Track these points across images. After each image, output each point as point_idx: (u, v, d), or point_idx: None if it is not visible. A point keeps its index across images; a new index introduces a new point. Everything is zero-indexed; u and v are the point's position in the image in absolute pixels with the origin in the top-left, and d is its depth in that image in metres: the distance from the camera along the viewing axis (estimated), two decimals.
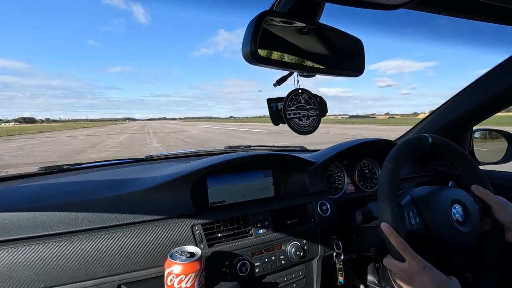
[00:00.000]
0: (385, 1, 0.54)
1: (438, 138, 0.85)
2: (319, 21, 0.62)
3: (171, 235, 0.80)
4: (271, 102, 0.64)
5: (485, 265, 0.82)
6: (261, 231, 0.92)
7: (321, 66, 0.63)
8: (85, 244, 0.72)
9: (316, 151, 1.58)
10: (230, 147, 1.47)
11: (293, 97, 0.65)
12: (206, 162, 0.96)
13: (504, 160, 1.33)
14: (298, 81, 0.61)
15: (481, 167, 1.35)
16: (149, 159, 1.28)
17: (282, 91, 0.66)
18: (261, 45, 0.51)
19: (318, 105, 0.69)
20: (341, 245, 1.01)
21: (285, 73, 0.64)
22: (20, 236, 0.68)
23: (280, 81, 0.63)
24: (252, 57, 0.48)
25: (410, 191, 0.89)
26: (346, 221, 1.07)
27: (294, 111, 0.65)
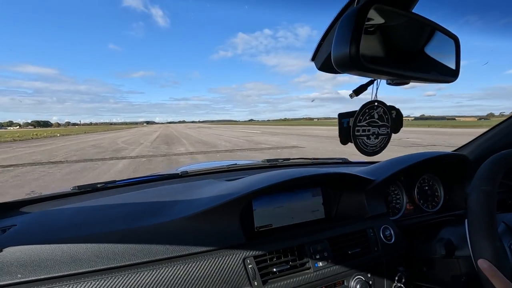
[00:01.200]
0: None
1: None
2: (413, 11, 0.50)
3: (221, 271, 0.69)
4: (342, 117, 0.53)
5: None
6: (320, 263, 0.79)
7: (415, 70, 0.51)
8: (127, 282, 0.62)
9: (361, 164, 1.43)
10: (268, 160, 1.36)
11: (367, 110, 0.53)
12: (252, 183, 0.85)
13: None
14: (377, 91, 0.49)
15: None
16: (184, 175, 1.18)
17: (355, 104, 0.54)
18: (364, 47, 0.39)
19: (391, 122, 0.57)
20: (404, 279, 0.86)
21: (364, 80, 0.52)
22: (58, 274, 0.60)
23: (358, 91, 0.52)
24: (352, 63, 0.36)
25: (503, 218, 0.74)
26: (413, 249, 0.92)
27: (364, 127, 0.53)
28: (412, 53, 0.50)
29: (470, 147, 1.24)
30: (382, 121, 0.56)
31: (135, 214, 0.77)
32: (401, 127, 0.60)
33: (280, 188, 0.92)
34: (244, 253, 0.73)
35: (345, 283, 0.81)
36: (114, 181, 1.09)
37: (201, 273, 0.67)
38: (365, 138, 0.52)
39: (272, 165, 1.33)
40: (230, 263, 0.70)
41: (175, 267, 0.66)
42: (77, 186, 1.01)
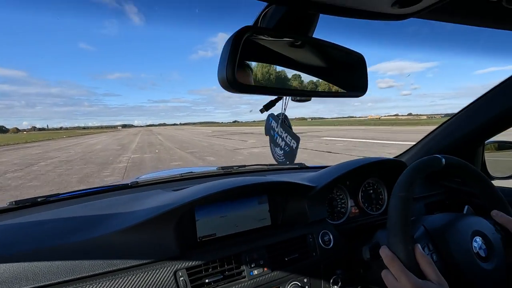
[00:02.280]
0: (392, 10, 0.45)
1: (453, 159, 0.75)
2: (313, 36, 0.53)
3: (150, 285, 0.69)
4: (271, 117, 0.56)
5: None
6: (255, 271, 0.81)
7: (318, 88, 0.54)
8: None
9: (316, 168, 1.47)
10: (223, 167, 1.37)
11: (278, 120, 0.56)
12: (194, 193, 0.86)
13: None
14: (286, 105, 0.52)
15: (494, 182, 1.26)
16: (134, 186, 1.17)
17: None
18: (243, 66, 0.41)
19: (285, 146, 0.60)
20: (340, 282, 0.89)
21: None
22: None
23: (267, 107, 0.54)
24: (230, 85, 0.38)
25: (423, 220, 0.79)
26: (351, 252, 0.96)
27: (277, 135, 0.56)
28: (310, 71, 0.53)
29: (410, 153, 1.31)
30: (281, 137, 0.58)
31: (68, 228, 0.76)
32: (294, 157, 0.62)
33: (224, 197, 0.93)
34: (177, 266, 0.73)
35: None
36: (58, 194, 1.06)
37: None
38: (273, 146, 0.54)
39: (227, 172, 1.34)
40: (160, 277, 0.70)
41: (100, 284, 0.65)
42: (14, 201, 0.97)
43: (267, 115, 0.53)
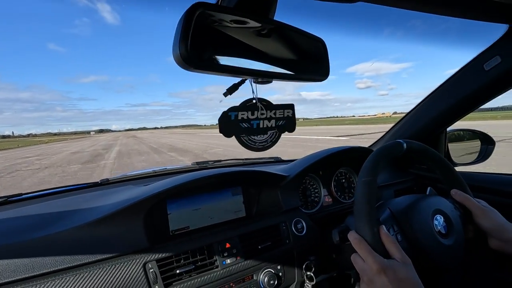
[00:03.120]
0: None
1: (413, 143, 0.79)
2: (274, 18, 0.54)
3: (118, 278, 0.67)
4: (230, 110, 0.54)
5: (474, 278, 0.76)
6: (228, 260, 0.81)
7: (279, 71, 0.55)
8: None
9: (292, 161, 1.49)
10: (198, 163, 1.36)
11: (249, 106, 0.56)
12: (164, 185, 0.84)
13: (479, 160, 1.31)
14: (256, 88, 0.52)
15: (457, 168, 1.33)
16: (104, 183, 1.13)
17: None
18: (200, 46, 0.41)
19: (283, 119, 0.60)
20: (313, 267, 0.91)
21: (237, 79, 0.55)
22: None
23: (231, 90, 0.54)
24: (184, 61, 0.38)
25: (389, 204, 0.82)
26: (324, 238, 0.98)
27: (247, 123, 0.55)
28: (272, 53, 0.54)
29: (380, 142, 1.36)
30: (267, 119, 0.58)
31: (26, 227, 0.72)
32: (295, 126, 0.62)
33: (196, 189, 0.92)
34: (146, 258, 0.72)
35: (254, 277, 0.84)
36: (20, 194, 1.01)
37: (95, 283, 0.65)
38: (250, 136, 0.54)
39: (202, 167, 1.32)
40: (128, 270, 0.69)
41: (63, 279, 0.63)
42: None
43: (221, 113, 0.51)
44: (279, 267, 0.88)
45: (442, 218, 0.74)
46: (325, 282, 1.01)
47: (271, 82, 0.54)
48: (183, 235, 0.87)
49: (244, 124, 0.54)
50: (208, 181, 0.90)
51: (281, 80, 0.55)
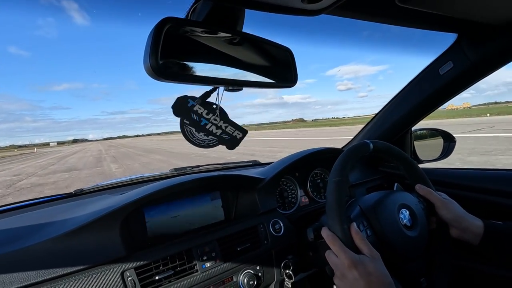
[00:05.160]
0: (305, 6, 0.50)
1: (379, 143, 0.84)
2: (242, 30, 0.57)
3: None
4: (192, 98, 0.56)
5: (437, 266, 0.82)
6: (207, 264, 0.82)
7: (248, 79, 0.58)
8: None
9: (269, 164, 1.53)
10: (176, 169, 1.36)
11: (208, 106, 0.58)
12: (140, 192, 0.84)
13: (442, 156, 1.40)
14: (220, 97, 0.55)
15: (423, 165, 1.42)
16: (78, 194, 1.11)
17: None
18: (170, 57, 0.43)
19: (227, 135, 0.62)
20: (291, 265, 0.95)
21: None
22: None
23: (203, 97, 0.56)
24: (155, 73, 0.40)
25: (359, 201, 0.87)
26: (301, 237, 1.02)
27: (197, 118, 0.57)
28: (242, 63, 0.57)
29: (354, 142, 1.43)
30: (216, 126, 0.60)
31: None
32: (235, 147, 0.64)
33: (175, 195, 0.93)
34: (124, 266, 0.71)
35: (234, 279, 0.86)
36: None
37: None
38: (193, 129, 0.56)
39: (180, 173, 1.33)
40: (106, 279, 0.68)
41: None
42: None
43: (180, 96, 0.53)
44: (258, 267, 0.90)
45: (407, 212, 0.80)
46: (305, 279, 1.05)
47: (241, 89, 0.57)
48: (162, 241, 0.87)
49: (194, 116, 0.56)
50: (186, 187, 0.91)
51: (251, 87, 0.58)
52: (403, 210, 0.80)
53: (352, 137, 1.55)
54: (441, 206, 0.81)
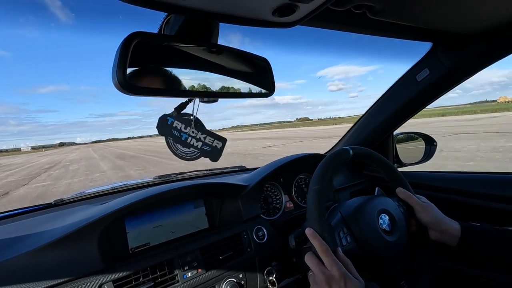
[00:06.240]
0: (276, 19, 0.51)
1: (359, 149, 0.86)
2: (218, 43, 0.57)
3: None
4: (170, 116, 0.57)
5: (417, 268, 0.84)
6: (189, 274, 0.81)
7: (224, 90, 0.58)
8: None
9: (256, 170, 1.53)
10: (160, 176, 1.34)
11: (184, 118, 0.59)
12: (121, 202, 0.83)
13: (424, 159, 1.44)
14: (196, 108, 0.55)
15: (405, 168, 1.45)
16: (58, 204, 1.08)
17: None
18: (140, 72, 0.43)
19: (209, 146, 0.63)
20: (274, 272, 0.95)
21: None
22: None
23: (179, 109, 0.56)
24: (122, 87, 0.39)
25: (340, 207, 0.88)
26: (285, 243, 1.02)
27: (179, 132, 0.58)
28: (225, 75, 0.58)
29: (337, 147, 1.45)
30: (195, 139, 0.61)
31: None
32: (218, 157, 0.65)
33: (157, 204, 0.92)
34: (102, 279, 0.70)
35: None
36: None
37: None
38: (179, 144, 0.56)
39: (164, 181, 1.31)
40: None
41: None
42: None
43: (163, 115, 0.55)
44: (241, 275, 0.90)
45: (387, 217, 0.81)
46: (292, 284, 1.05)
47: (217, 101, 0.57)
48: (143, 252, 0.86)
49: (175, 131, 0.57)
50: (169, 196, 0.90)
51: (227, 98, 0.58)
52: (383, 215, 0.81)
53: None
54: (420, 209, 0.83)
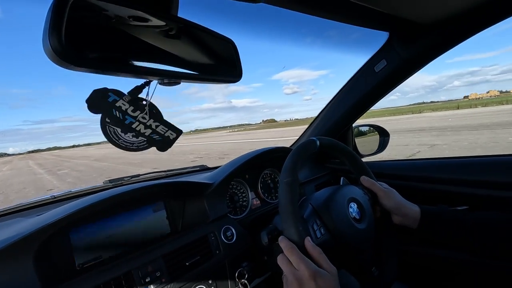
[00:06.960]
0: None
1: (324, 139, 0.85)
2: (177, 15, 0.50)
3: None
4: (113, 93, 0.46)
5: (384, 253, 0.86)
6: (151, 287, 0.72)
7: (186, 71, 0.51)
8: None
9: (218, 168, 1.46)
10: (111, 180, 1.19)
11: (135, 102, 0.49)
12: (63, 211, 0.70)
13: (379, 150, 1.51)
14: (151, 92, 0.47)
15: (363, 159, 1.51)
16: None
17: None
18: (82, 38, 0.34)
19: (159, 135, 0.54)
20: (246, 273, 0.90)
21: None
22: None
23: (132, 93, 0.47)
24: (58, 55, 0.30)
25: (310, 199, 0.86)
26: (255, 242, 0.97)
27: (121, 117, 0.48)
28: (182, 53, 0.50)
29: (302, 139, 1.45)
30: (144, 125, 0.52)
31: None
32: (167, 148, 0.57)
33: (108, 211, 0.80)
34: None
35: None
36: None
37: None
38: (118, 129, 0.47)
39: (116, 185, 1.16)
40: None
41: None
42: None
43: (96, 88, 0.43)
44: (210, 281, 0.82)
45: (356, 205, 0.81)
46: (262, 284, 1.00)
47: (179, 83, 0.49)
48: (94, 267, 0.73)
49: (117, 112, 0.47)
50: (121, 200, 0.79)
51: (190, 81, 0.51)
52: (352, 204, 0.81)
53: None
54: (383, 195, 0.85)
